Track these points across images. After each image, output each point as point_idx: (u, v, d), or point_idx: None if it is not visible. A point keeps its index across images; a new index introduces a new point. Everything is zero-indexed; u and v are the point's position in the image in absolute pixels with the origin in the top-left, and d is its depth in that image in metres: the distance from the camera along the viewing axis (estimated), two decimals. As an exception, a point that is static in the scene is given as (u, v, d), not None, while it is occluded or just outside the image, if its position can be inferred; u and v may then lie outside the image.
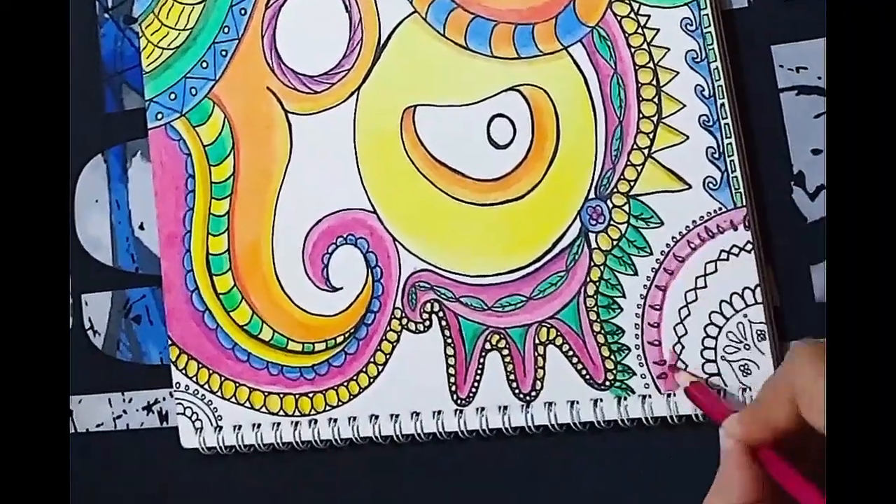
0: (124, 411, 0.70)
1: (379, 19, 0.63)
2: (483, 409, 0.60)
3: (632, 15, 0.58)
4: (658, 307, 0.57)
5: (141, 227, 0.70)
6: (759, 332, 0.55)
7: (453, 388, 0.61)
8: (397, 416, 0.62)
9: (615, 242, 0.57)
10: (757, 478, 0.46)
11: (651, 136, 0.57)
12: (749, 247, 0.55)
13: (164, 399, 0.69)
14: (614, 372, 0.57)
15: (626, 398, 0.57)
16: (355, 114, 0.63)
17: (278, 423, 0.64)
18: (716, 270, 0.55)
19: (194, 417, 0.66)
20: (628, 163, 0.57)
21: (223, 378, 0.66)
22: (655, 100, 0.57)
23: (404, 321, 0.62)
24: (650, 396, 0.57)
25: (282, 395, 0.64)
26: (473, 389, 0.60)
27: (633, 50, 0.58)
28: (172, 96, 0.67)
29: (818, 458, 0.45)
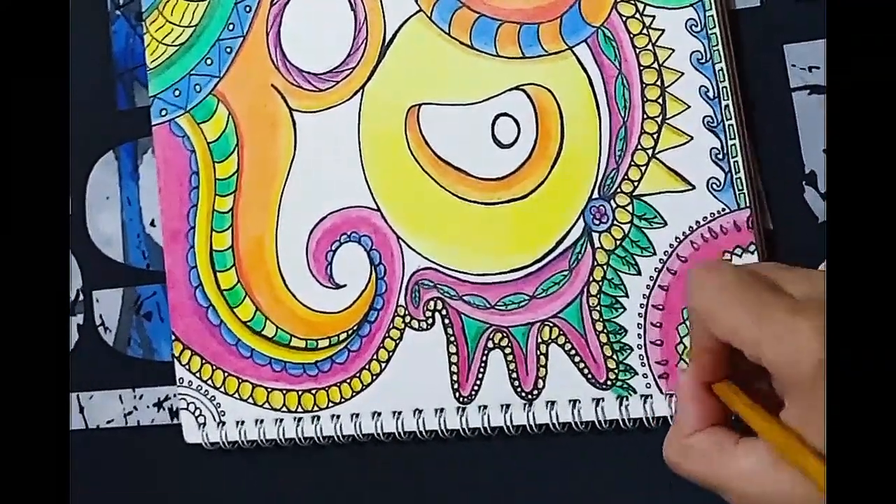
0: (135, 408, 0.70)
1: (384, 18, 0.63)
2: (485, 407, 0.60)
3: (637, 15, 0.58)
4: (661, 307, 0.57)
5: (152, 224, 0.70)
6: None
7: (456, 386, 0.61)
8: (400, 413, 0.62)
9: (618, 242, 0.58)
10: (707, 408, 0.46)
11: (655, 136, 0.57)
12: (752, 248, 0.55)
13: (174, 396, 0.69)
14: (616, 371, 0.58)
15: (627, 398, 0.57)
16: (360, 112, 0.63)
17: (281, 420, 0.64)
18: (719, 271, 0.56)
19: (197, 413, 0.66)
20: (632, 163, 0.57)
21: (226, 374, 0.66)
22: (660, 100, 0.57)
23: (407, 319, 0.62)
24: (651, 397, 0.57)
25: (285, 392, 0.64)
26: (476, 388, 0.60)
27: (637, 50, 0.58)
28: (177, 93, 0.68)
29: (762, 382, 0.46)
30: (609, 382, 0.58)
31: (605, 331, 0.58)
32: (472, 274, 0.61)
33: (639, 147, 0.57)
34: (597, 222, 0.58)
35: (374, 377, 0.63)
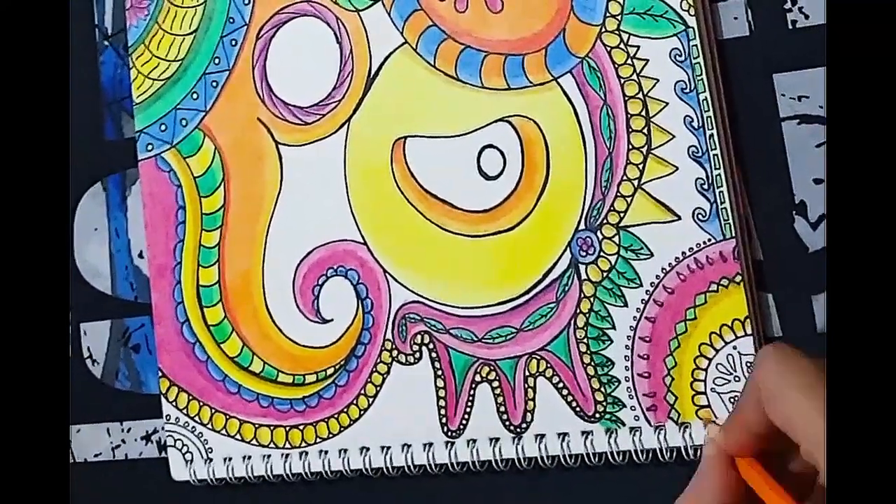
0: (123, 441, 0.70)
1: (370, 50, 0.63)
2: (474, 441, 0.60)
3: (621, 46, 0.58)
4: (648, 339, 0.56)
5: (140, 256, 0.70)
6: (749, 364, 0.54)
7: (444, 420, 0.60)
8: (388, 448, 0.61)
9: (605, 274, 0.57)
10: (733, 485, 0.44)
11: (640, 167, 0.57)
12: (738, 278, 0.55)
13: (162, 429, 0.68)
14: (604, 404, 0.57)
15: (616, 431, 0.57)
16: (346, 145, 0.63)
17: (269, 456, 0.64)
18: (705, 302, 0.55)
19: (185, 450, 0.66)
20: (618, 194, 0.57)
21: (214, 410, 0.65)
22: (645, 131, 0.57)
23: (394, 353, 0.61)
24: (640, 429, 0.56)
25: (272, 428, 0.64)
26: (464, 422, 0.60)
27: (622, 81, 0.58)
28: (163, 127, 0.67)
29: (797, 467, 0.44)
30: (598, 415, 0.57)
31: (592, 363, 0.57)
32: (458, 307, 0.60)
33: (624, 178, 0.57)
34: (583, 254, 0.58)
35: (362, 412, 0.62)
